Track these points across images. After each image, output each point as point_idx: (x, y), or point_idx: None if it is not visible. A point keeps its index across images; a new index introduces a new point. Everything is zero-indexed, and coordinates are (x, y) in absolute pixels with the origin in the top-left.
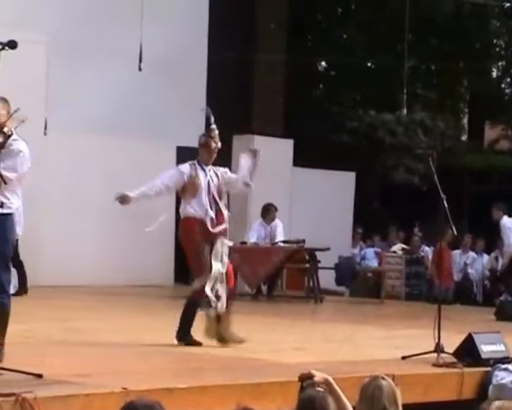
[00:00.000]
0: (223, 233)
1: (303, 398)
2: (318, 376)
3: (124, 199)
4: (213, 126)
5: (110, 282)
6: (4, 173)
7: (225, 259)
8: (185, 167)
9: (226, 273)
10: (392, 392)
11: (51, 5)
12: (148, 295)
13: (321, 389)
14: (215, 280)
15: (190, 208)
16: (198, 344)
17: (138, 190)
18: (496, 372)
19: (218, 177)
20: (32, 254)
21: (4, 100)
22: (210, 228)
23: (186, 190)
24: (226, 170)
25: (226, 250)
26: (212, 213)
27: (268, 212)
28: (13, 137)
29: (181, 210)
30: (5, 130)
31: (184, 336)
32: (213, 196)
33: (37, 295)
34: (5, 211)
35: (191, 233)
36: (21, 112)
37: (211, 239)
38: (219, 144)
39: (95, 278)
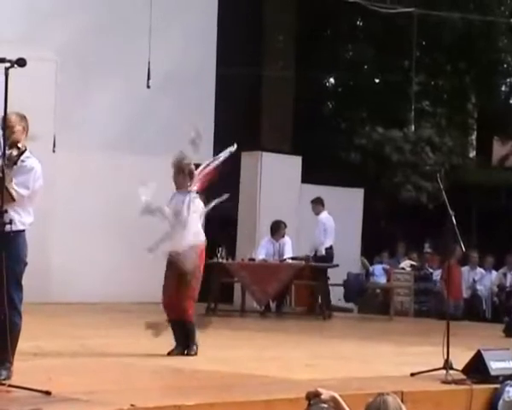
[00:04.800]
0: None
1: None
2: (325, 394)
3: None
4: None
5: (119, 299)
6: (16, 189)
7: None
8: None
9: None
10: (398, 406)
11: (60, 23)
12: (157, 313)
13: (325, 406)
14: None
15: (202, 234)
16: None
17: None
18: (507, 388)
19: None
20: (42, 271)
21: (22, 116)
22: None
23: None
24: None
25: None
26: None
27: (278, 229)
28: (26, 154)
29: (196, 234)
30: (19, 145)
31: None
32: None
33: (47, 312)
34: (16, 228)
35: (202, 262)
36: (33, 130)
37: None
38: None
39: (104, 295)
